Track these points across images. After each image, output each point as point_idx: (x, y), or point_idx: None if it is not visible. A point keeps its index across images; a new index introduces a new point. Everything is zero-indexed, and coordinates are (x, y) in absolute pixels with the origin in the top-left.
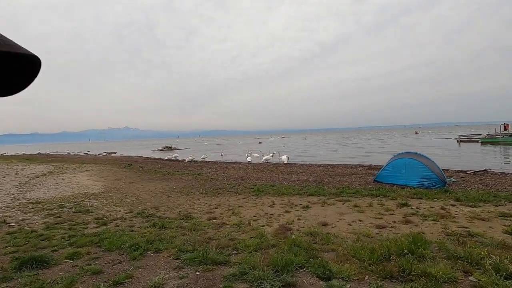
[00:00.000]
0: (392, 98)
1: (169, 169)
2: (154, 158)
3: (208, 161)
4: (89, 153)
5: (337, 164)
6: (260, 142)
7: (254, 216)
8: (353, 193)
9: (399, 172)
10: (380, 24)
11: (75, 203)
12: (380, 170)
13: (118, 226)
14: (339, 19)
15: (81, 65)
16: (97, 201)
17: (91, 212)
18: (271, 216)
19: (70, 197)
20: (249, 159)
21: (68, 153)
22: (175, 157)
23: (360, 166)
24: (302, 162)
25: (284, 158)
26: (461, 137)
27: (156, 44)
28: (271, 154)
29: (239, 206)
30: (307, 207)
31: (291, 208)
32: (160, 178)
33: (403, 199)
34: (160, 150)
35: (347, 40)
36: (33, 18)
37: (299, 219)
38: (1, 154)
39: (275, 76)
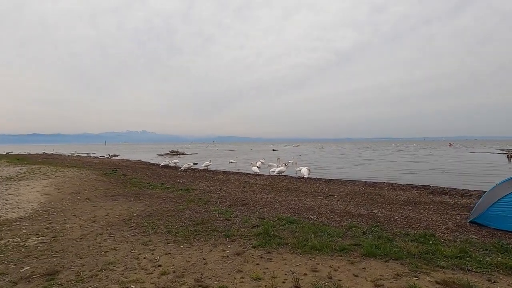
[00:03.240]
0: (410, 109)
1: (156, 179)
2: (151, 164)
3: (210, 170)
4: (92, 155)
5: (377, 183)
6: (274, 150)
7: None
8: (457, 257)
9: None
10: (399, 34)
11: None
12: (479, 205)
13: None
14: (357, 28)
15: (102, 69)
16: None
17: None
18: None
19: None
20: (255, 169)
21: (72, 154)
22: (174, 163)
23: (412, 187)
24: (328, 177)
25: (304, 171)
26: None
27: (174, 50)
28: (285, 164)
29: None
30: None
31: None
32: (132, 194)
33: None
34: (166, 155)
35: (364, 49)
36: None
37: None
38: (7, 153)
39: (290, 84)
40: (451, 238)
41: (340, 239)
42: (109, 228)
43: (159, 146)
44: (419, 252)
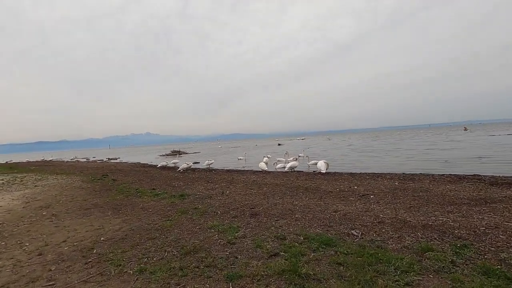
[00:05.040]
0: (413, 96)
1: (148, 183)
2: (148, 166)
3: (212, 169)
4: (91, 159)
5: (412, 175)
6: (279, 144)
7: None
8: None
9: None
10: (399, 20)
11: None
12: None
13: None
14: (356, 16)
15: (103, 74)
16: None
17: None
18: None
19: None
20: (262, 166)
21: (72, 159)
22: (174, 163)
23: (459, 178)
24: (346, 171)
25: (321, 164)
26: None
27: (172, 51)
28: (295, 158)
29: None
30: None
31: None
32: (112, 205)
33: None
34: (167, 155)
35: (363, 38)
36: (59, 31)
37: None
38: (6, 162)
39: (290, 77)
40: None
41: (419, 277)
42: (53, 268)
43: (163, 147)
44: None
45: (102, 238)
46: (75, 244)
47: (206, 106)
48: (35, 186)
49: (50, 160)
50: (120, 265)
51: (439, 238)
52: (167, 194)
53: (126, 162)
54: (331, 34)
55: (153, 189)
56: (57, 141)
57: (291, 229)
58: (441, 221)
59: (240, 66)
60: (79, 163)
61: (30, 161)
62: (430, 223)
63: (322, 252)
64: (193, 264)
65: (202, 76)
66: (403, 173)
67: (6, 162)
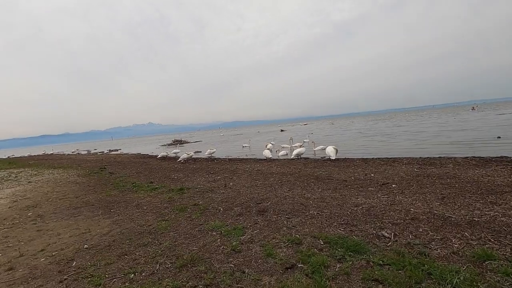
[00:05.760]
0: (417, 77)
1: (146, 176)
2: (149, 157)
3: (214, 159)
4: (92, 151)
5: (431, 158)
6: (282, 130)
7: None
8: None
9: None
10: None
11: None
12: None
13: None
14: None
15: (102, 66)
16: None
17: None
18: None
19: None
20: (266, 153)
21: (73, 152)
22: (174, 153)
23: (485, 160)
24: (357, 156)
25: (330, 150)
26: None
27: (170, 40)
28: (301, 144)
29: None
30: None
31: None
32: (105, 202)
33: None
34: (168, 145)
35: (364, 19)
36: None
37: None
38: (8, 157)
39: (291, 62)
40: None
41: None
42: None
43: (165, 137)
44: None
45: (85, 246)
46: (53, 254)
47: (206, 95)
48: (29, 182)
49: (51, 154)
50: (100, 284)
51: (495, 240)
52: (165, 188)
53: (126, 154)
54: (330, 16)
55: (151, 182)
56: (60, 134)
57: (307, 230)
58: (488, 216)
59: (240, 52)
60: (79, 156)
61: (31, 155)
62: (476, 219)
63: (350, 263)
64: (190, 283)
65: (201, 65)
66: (421, 157)
67: (8, 157)
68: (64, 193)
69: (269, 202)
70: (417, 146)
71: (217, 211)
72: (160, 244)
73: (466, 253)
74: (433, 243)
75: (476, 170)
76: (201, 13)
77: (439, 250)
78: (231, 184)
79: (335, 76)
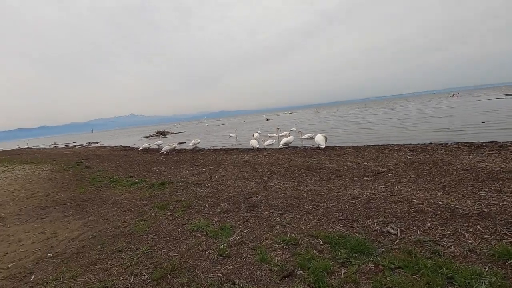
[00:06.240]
0: (398, 66)
1: (126, 169)
2: (130, 149)
3: (199, 150)
4: (70, 145)
5: (423, 145)
6: (268, 119)
7: None
8: None
9: None
10: None
11: None
12: None
13: None
14: None
15: (82, 55)
16: None
17: None
18: None
19: None
20: (253, 143)
21: (50, 146)
22: (157, 144)
23: (476, 146)
24: (346, 144)
25: (320, 139)
26: None
27: (153, 29)
28: (287, 133)
29: None
30: None
31: None
32: (78, 200)
33: None
34: (151, 136)
35: (351, 8)
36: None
37: None
38: None
39: (276, 52)
40: None
41: None
42: None
43: (148, 128)
44: None
45: (49, 254)
46: (9, 266)
47: (191, 85)
48: None
49: (26, 148)
50: None
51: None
52: (146, 182)
53: (107, 146)
54: (316, 5)
55: (130, 176)
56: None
57: (303, 227)
58: (498, 206)
59: (225, 42)
60: (56, 150)
61: (4, 150)
62: (485, 210)
63: (357, 267)
64: None
65: (186, 54)
66: (411, 144)
67: None
68: (33, 191)
69: (259, 196)
70: (405, 133)
71: (202, 207)
72: (137, 249)
73: (484, 250)
74: (444, 239)
75: (470, 156)
76: (184, 1)
77: (453, 248)
78: (217, 176)
79: (320, 66)
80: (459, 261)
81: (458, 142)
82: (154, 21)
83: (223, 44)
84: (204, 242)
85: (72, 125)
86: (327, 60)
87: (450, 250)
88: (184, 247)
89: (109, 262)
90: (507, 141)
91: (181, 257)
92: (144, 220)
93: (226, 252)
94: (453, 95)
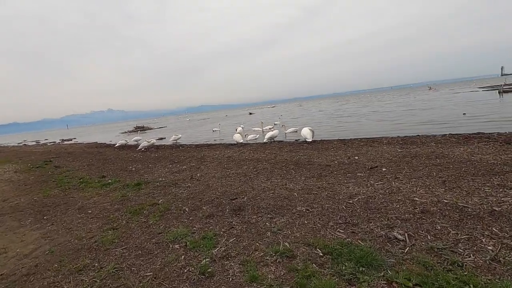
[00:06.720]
0: (376, 60)
1: (99, 168)
2: (106, 146)
3: (180, 145)
4: (41, 142)
5: (410, 137)
6: (250, 113)
7: None
8: None
9: None
10: None
11: None
12: None
13: None
14: None
15: (54, 48)
16: None
17: None
18: None
19: None
20: (237, 137)
21: (19, 143)
22: (135, 141)
23: (465, 137)
24: (333, 137)
25: (306, 132)
26: (506, 87)
27: (128, 20)
28: (271, 127)
29: None
30: None
31: None
32: (40, 205)
33: None
34: (130, 132)
35: (332, 2)
36: None
37: None
38: None
39: (258, 45)
40: None
41: None
42: None
43: (127, 124)
44: None
45: None
46: None
47: (171, 79)
48: None
49: None
50: None
51: None
52: (120, 183)
53: (81, 143)
54: (298, 0)
55: (103, 176)
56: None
57: (298, 234)
58: (508, 204)
59: (204, 35)
60: (24, 148)
61: None
62: (496, 208)
63: (366, 284)
64: None
65: (165, 47)
66: (399, 136)
67: None
68: None
69: (245, 197)
70: (391, 126)
71: (182, 212)
72: (101, 268)
73: (508, 259)
74: (460, 245)
75: (461, 147)
76: None
77: (472, 257)
78: (198, 175)
79: (302, 60)
80: (483, 273)
81: (446, 134)
82: (129, 12)
83: (202, 37)
84: (183, 257)
85: (45, 121)
86: (308, 54)
87: (470, 259)
88: (159, 263)
89: (65, 287)
90: (493, 133)
91: (154, 278)
92: (113, 229)
93: (209, 270)
94: (430, 88)
